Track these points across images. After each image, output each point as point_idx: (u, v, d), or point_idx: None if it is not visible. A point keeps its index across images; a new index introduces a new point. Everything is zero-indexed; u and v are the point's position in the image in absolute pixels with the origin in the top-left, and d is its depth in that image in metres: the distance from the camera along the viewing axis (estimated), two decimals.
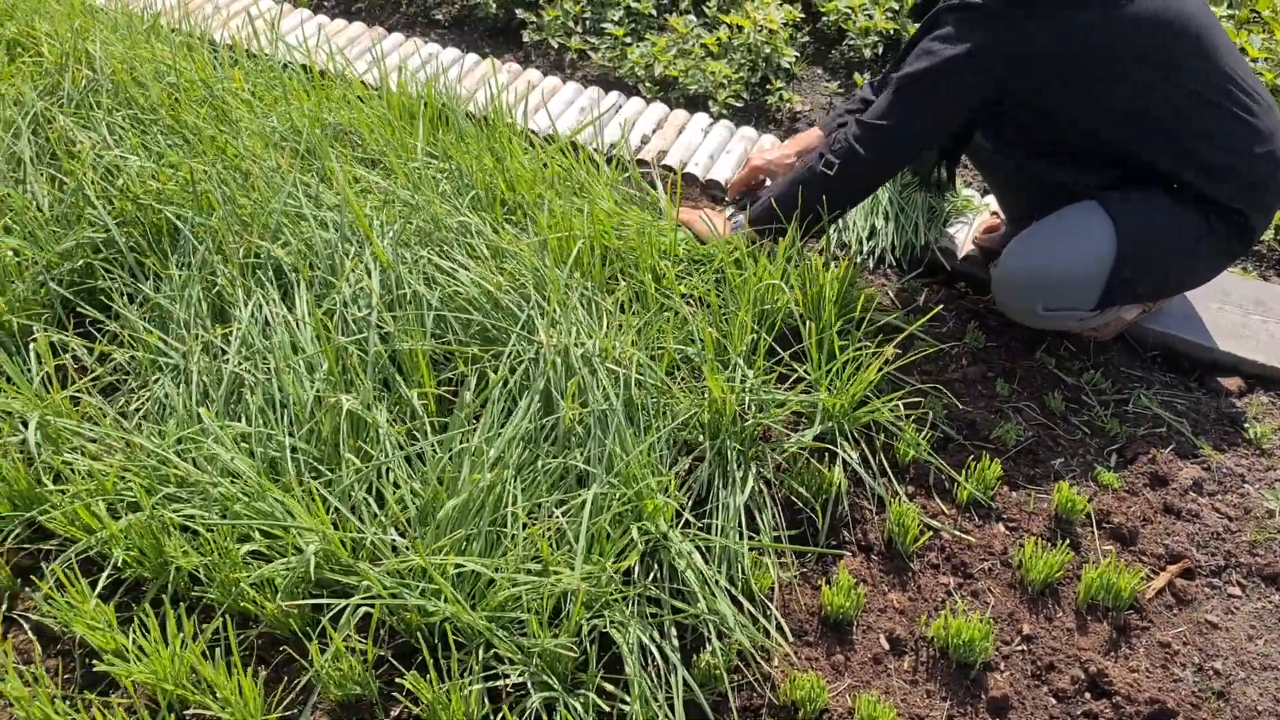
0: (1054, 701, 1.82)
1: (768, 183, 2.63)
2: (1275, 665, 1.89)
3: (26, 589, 1.93)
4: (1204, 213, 2.21)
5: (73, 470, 1.94)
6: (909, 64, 2.21)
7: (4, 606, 1.91)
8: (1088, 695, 1.83)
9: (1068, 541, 2.02)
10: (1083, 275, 2.23)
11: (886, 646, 1.90)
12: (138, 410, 2.08)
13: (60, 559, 1.87)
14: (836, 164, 2.27)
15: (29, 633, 1.86)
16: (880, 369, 2.10)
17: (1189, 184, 2.19)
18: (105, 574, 1.85)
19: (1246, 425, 2.33)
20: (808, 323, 2.17)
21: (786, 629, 1.88)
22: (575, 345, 1.99)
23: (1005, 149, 2.36)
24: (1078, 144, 2.23)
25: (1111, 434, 2.29)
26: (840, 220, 2.72)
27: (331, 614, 1.74)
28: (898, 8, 3.57)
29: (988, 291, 2.66)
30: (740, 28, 3.46)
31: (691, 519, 1.92)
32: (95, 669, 1.75)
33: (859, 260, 2.70)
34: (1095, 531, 2.08)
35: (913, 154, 2.39)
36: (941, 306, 2.54)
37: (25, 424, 1.99)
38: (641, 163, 3.01)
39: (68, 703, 1.72)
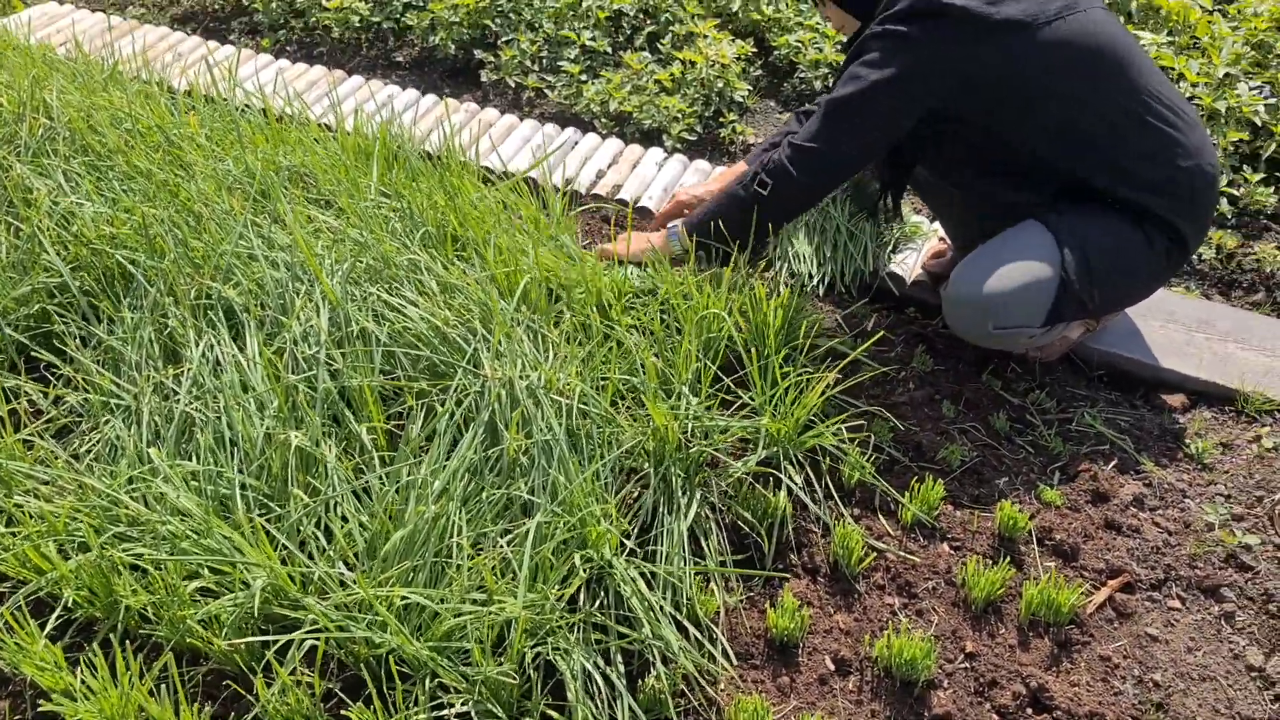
0: (996, 718, 1.85)
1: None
2: (1214, 676, 1.92)
3: None
4: (1140, 226, 2.26)
5: (24, 512, 1.95)
6: (837, 89, 2.28)
7: None
8: (1029, 710, 1.86)
9: (1010, 559, 2.06)
10: (1030, 292, 2.27)
11: (832, 667, 1.92)
12: (89, 452, 2.10)
13: (10, 601, 1.88)
14: (770, 184, 2.33)
15: None
16: (823, 393, 2.14)
17: (1125, 199, 2.25)
18: (55, 614, 1.86)
19: (1188, 441, 2.37)
20: (751, 349, 2.21)
21: (732, 653, 1.90)
22: (520, 377, 2.02)
23: (943, 170, 2.43)
24: (1011, 161, 2.29)
25: (1055, 452, 2.33)
26: (791, 248, 2.77)
27: (278, 646, 1.76)
28: (845, 41, 3.64)
29: (936, 316, 2.71)
30: (693, 63, 3.53)
31: (636, 547, 1.95)
32: (43, 709, 1.77)
33: (809, 287, 2.75)
34: (1037, 549, 2.11)
35: (841, 178, 2.44)
36: (885, 331, 2.59)
37: None
38: (597, 197, 3.06)
39: None
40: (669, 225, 2.53)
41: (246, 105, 3.09)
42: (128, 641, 1.84)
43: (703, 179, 3.16)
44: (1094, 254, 2.25)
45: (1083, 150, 2.24)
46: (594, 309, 2.27)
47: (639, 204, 3.02)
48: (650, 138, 3.42)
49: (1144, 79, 2.21)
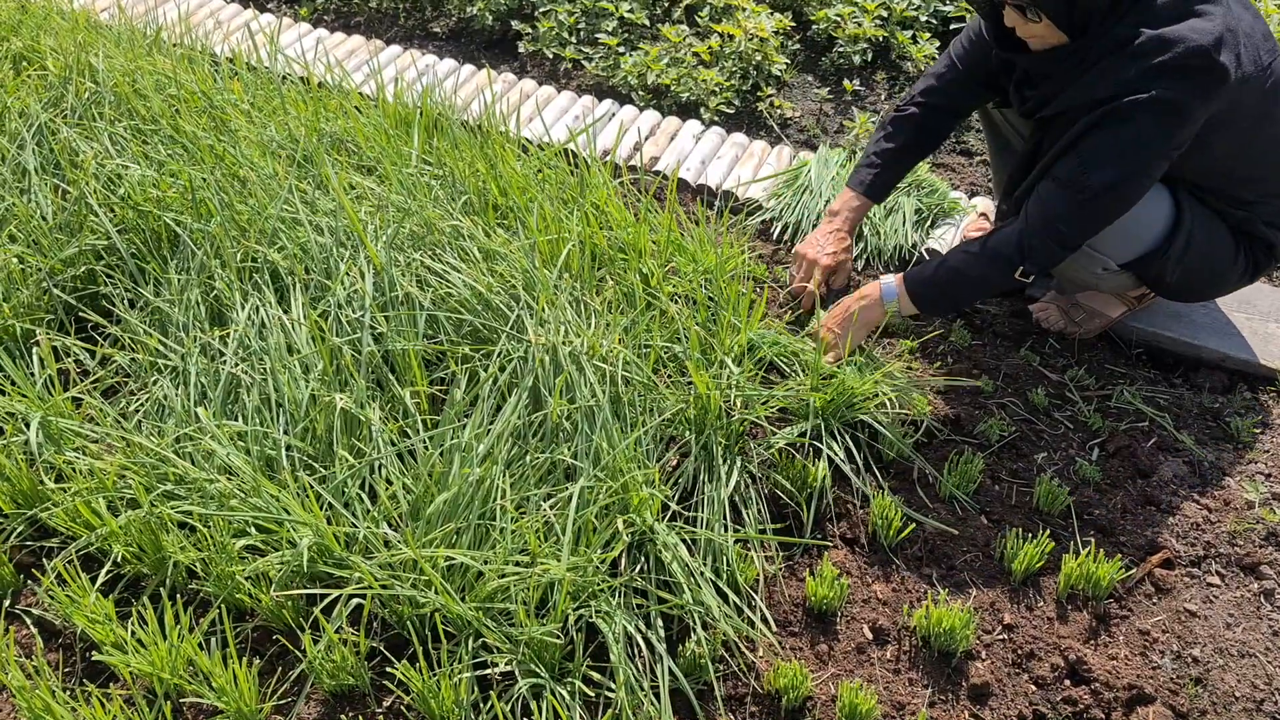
0: (1034, 688, 1.86)
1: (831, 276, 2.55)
2: (1253, 652, 1.92)
3: (29, 584, 1.98)
4: (1241, 244, 2.27)
5: (74, 469, 1.99)
6: (1105, 169, 2.04)
7: (7, 602, 1.96)
8: (1067, 682, 1.86)
9: (1048, 533, 2.05)
10: (1131, 229, 2.21)
11: (870, 636, 1.93)
12: (138, 411, 2.13)
13: (61, 555, 1.92)
14: (1036, 269, 2.18)
15: (31, 627, 1.91)
16: (862, 365, 2.14)
17: (1251, 228, 2.25)
18: (105, 570, 1.90)
19: (1228, 419, 2.36)
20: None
21: (771, 620, 1.91)
22: (563, 343, 2.03)
23: None
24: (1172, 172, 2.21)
25: (1094, 428, 2.32)
26: None
27: (324, 604, 1.79)
28: (886, 15, 3.62)
29: None
30: (731, 36, 3.51)
31: (679, 511, 1.96)
32: (95, 661, 1.81)
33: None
34: (1076, 523, 2.12)
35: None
36: None
37: (28, 425, 2.04)
38: (634, 169, 3.06)
39: (68, 693, 1.76)
40: (883, 284, 2.32)
41: (287, 73, 3.10)
42: (177, 596, 1.87)
43: (740, 152, 3.16)
44: (1201, 243, 2.22)
45: (1243, 181, 2.21)
46: (637, 276, 2.27)
47: (677, 176, 3.02)
48: (687, 110, 3.41)
49: None
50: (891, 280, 2.31)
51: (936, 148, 2.66)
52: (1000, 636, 1.93)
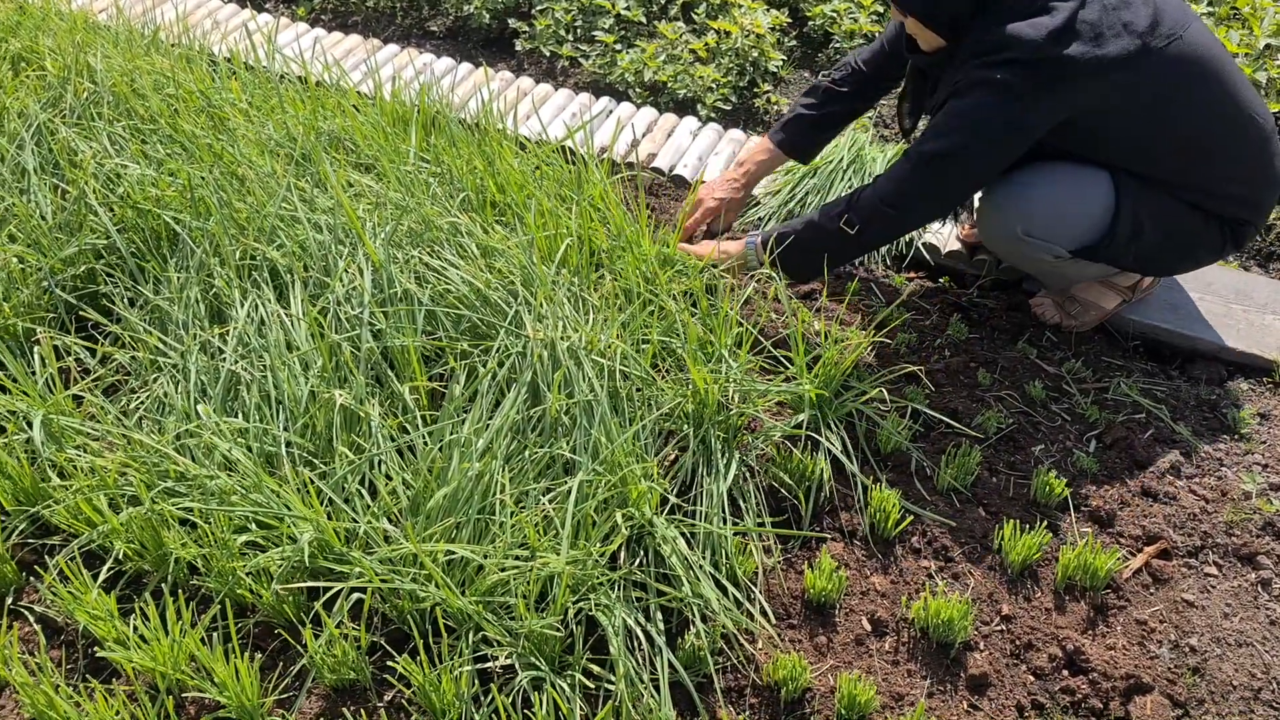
0: (1032, 679, 1.86)
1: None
2: (1250, 642, 1.93)
3: (32, 581, 1.99)
4: (1207, 220, 2.27)
5: (75, 467, 1.99)
6: (934, 140, 2.16)
7: (10, 599, 1.96)
8: (1065, 672, 1.87)
9: (1046, 524, 2.06)
10: (1072, 216, 2.24)
11: (868, 628, 1.94)
12: (138, 408, 2.14)
13: (64, 552, 1.92)
14: (859, 225, 2.25)
15: (34, 624, 1.91)
16: (858, 356, 2.15)
17: (1201, 205, 2.25)
18: (107, 566, 1.91)
19: (1225, 411, 2.37)
20: (796, 314, 2.22)
21: (770, 612, 1.92)
22: (561, 338, 2.04)
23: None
24: (1094, 152, 2.24)
25: (1091, 420, 2.33)
26: None
27: (325, 599, 1.79)
28: (882, 10, 3.63)
29: (971, 285, 2.71)
30: (728, 33, 3.52)
31: (678, 503, 1.97)
32: (97, 657, 1.82)
33: None
34: (1074, 514, 2.12)
35: (938, 218, 2.39)
36: (921, 300, 2.59)
37: (30, 423, 2.05)
38: (631, 165, 3.07)
39: (71, 689, 1.77)
40: (747, 237, 2.43)
41: (285, 73, 3.11)
42: (179, 592, 1.88)
43: (737, 148, 3.16)
44: (1149, 222, 2.24)
45: (1172, 161, 2.22)
46: (637, 273, 2.28)
47: (674, 172, 3.03)
48: (684, 107, 3.42)
49: (1237, 93, 2.17)
50: (756, 235, 2.42)
51: (859, 115, 2.69)
52: (998, 627, 1.94)
